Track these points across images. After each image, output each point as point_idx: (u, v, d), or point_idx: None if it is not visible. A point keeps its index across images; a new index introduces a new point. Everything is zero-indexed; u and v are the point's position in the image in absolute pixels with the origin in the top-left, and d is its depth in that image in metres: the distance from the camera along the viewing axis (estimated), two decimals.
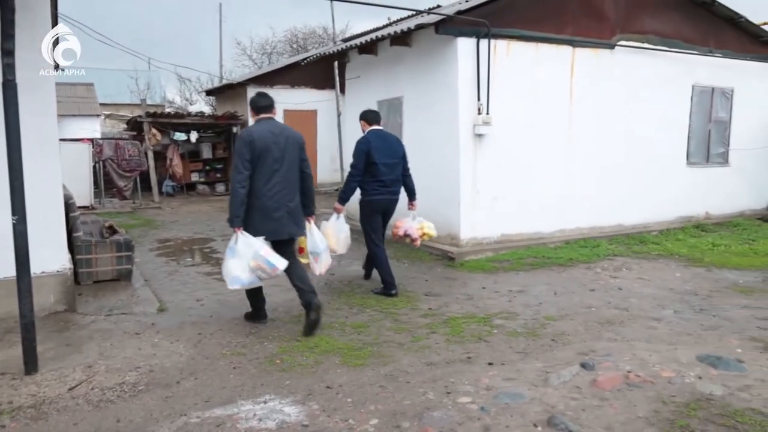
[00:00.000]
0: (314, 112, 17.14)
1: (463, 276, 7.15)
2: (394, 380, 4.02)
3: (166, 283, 6.73)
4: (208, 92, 19.92)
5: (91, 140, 13.21)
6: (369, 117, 6.34)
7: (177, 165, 16.30)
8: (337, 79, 16.92)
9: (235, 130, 16.67)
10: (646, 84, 9.37)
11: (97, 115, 34.21)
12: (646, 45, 9.28)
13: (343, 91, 17.45)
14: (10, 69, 3.67)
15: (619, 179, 9.27)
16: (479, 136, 7.95)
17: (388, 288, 6.18)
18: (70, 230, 6.06)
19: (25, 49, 4.40)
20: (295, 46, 24.73)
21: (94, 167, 13.00)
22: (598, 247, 8.44)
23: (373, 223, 6.20)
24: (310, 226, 5.21)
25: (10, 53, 3.68)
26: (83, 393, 3.76)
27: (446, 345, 4.75)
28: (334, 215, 6.13)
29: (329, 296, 6.19)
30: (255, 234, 4.73)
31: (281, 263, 4.72)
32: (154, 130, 15.23)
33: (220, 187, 17.41)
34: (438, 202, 8.34)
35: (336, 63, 16.75)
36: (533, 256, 7.97)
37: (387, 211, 6.30)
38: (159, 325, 5.14)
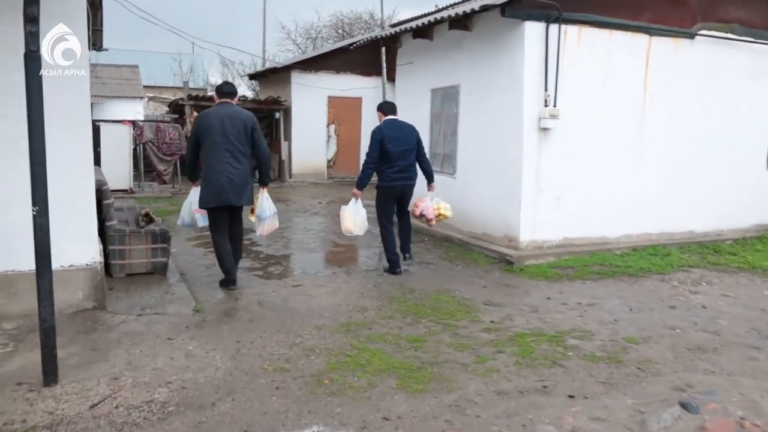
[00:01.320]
0: (359, 100, 16.58)
1: (523, 283, 6.51)
2: (461, 413, 3.45)
3: (203, 278, 6.27)
4: (251, 76, 19.51)
5: (132, 122, 12.91)
6: (384, 108, 6.82)
7: None
8: (384, 65, 16.34)
9: (277, 115, 16.24)
10: (726, 78, 8.50)
11: (141, 98, 34.39)
12: (729, 35, 8.41)
13: (390, 78, 16.85)
14: (33, 38, 3.18)
15: (692, 182, 8.46)
16: (545, 130, 7.26)
17: (392, 267, 6.64)
18: (103, 219, 5.64)
19: (57, 18, 3.94)
20: (340, 31, 24.11)
21: (135, 150, 12.72)
22: (669, 256, 7.68)
23: (386, 207, 6.64)
24: (263, 194, 5.84)
25: (34, 20, 3.18)
26: (106, 412, 3.28)
27: (516, 369, 4.15)
28: (353, 199, 6.49)
29: (379, 301, 5.63)
30: (202, 201, 5.64)
31: (201, 222, 5.87)
32: (195, 114, 14.88)
33: None
34: (496, 200, 7.70)
35: (383, 49, 16.16)
36: (599, 264, 7.26)
37: (402, 195, 6.64)
38: (194, 329, 4.66)
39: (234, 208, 5.69)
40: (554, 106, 7.19)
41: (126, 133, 11.90)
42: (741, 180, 8.93)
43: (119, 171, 11.97)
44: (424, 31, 8.90)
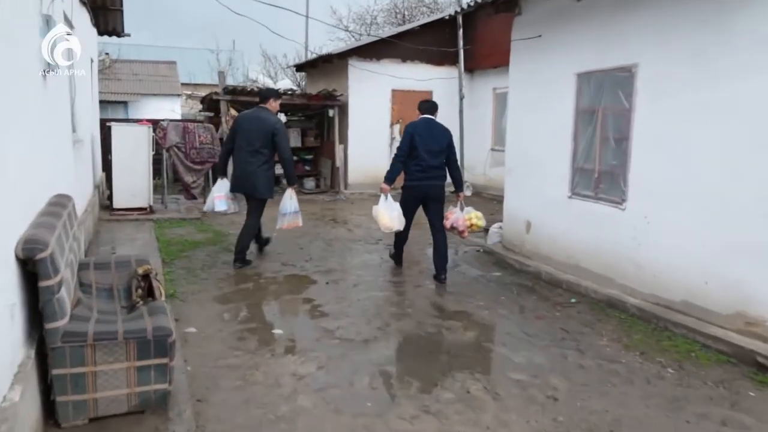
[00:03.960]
0: (429, 94, 13.61)
1: None
2: None
3: (237, 409, 3.42)
4: (299, 67, 16.71)
5: (153, 123, 10.23)
6: (421, 107, 6.49)
7: None
8: (461, 51, 13.36)
9: (331, 113, 13.41)
10: None
11: (179, 95, 32.33)
12: None
13: (468, 68, 13.89)
14: None
15: None
16: None
17: (396, 262, 6.88)
18: (41, 312, 2.84)
19: None
20: (399, 17, 21.06)
21: (157, 157, 10.02)
22: None
23: (406, 208, 6.31)
24: (287, 192, 6.55)
25: None
26: None
27: None
28: (383, 196, 6.25)
29: None
30: (231, 187, 6.68)
31: (218, 207, 6.67)
32: (232, 111, 12.16)
33: (309, 183, 14.21)
34: (716, 251, 4.66)
35: (461, 32, 13.21)
36: None
37: (428, 196, 6.32)
38: None
39: (251, 199, 6.52)
40: None
41: (144, 136, 9.20)
42: None
43: (136, 184, 9.30)
44: None
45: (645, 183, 5.36)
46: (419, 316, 5.23)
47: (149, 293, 3.96)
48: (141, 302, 3.81)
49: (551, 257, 6.56)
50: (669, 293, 5.10)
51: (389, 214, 6.19)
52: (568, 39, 6.27)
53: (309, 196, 13.14)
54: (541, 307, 5.62)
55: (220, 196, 6.62)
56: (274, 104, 6.58)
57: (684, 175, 4.95)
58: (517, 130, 7.26)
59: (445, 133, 6.30)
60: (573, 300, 5.80)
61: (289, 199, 6.46)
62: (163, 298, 3.72)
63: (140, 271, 4.14)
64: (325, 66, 14.55)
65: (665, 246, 5.13)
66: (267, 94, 6.63)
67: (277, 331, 4.71)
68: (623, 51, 5.52)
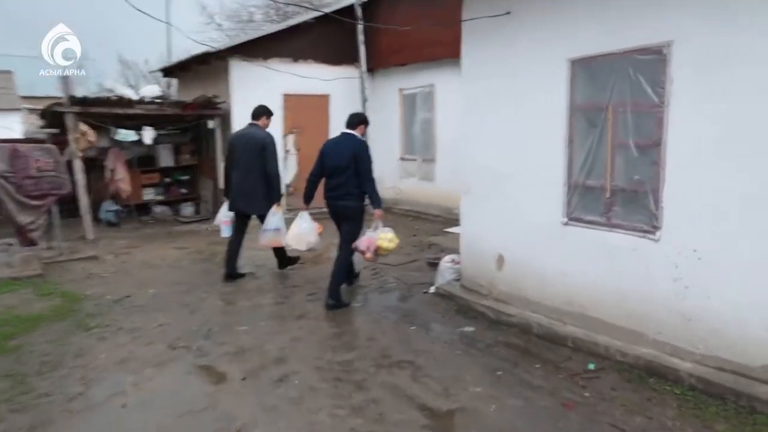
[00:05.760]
0: (325, 98, 11.80)
1: None
2: None
3: None
4: (166, 71, 14.11)
5: None
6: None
7: (123, 179, 10.65)
8: (363, 48, 11.67)
9: (211, 124, 11.11)
10: None
11: (18, 110, 28.07)
12: None
13: (370, 68, 12.19)
14: None
15: None
16: None
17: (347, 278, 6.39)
18: None
19: None
20: (280, 13, 18.72)
21: None
22: None
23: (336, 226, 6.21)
24: (272, 209, 6.46)
25: None
26: None
27: None
28: (300, 212, 6.29)
29: None
30: (229, 206, 6.69)
31: (224, 233, 6.84)
32: (84, 127, 9.55)
33: (187, 209, 11.84)
34: None
35: (360, 26, 11.51)
36: None
37: (337, 215, 6.03)
38: None
39: (244, 216, 6.70)
40: None
41: None
42: None
43: None
44: None
45: (691, 203, 3.88)
46: None
47: None
48: None
49: (541, 302, 4.97)
50: (740, 355, 3.65)
51: (293, 230, 6.23)
52: (554, 14, 4.69)
53: (188, 226, 10.80)
54: (556, 383, 4.00)
55: (226, 221, 6.76)
56: (266, 121, 6.70)
57: (760, 190, 3.52)
58: (477, 136, 5.61)
59: (350, 147, 5.80)
60: (591, 366, 4.23)
61: (272, 215, 6.48)
62: None
63: None
64: (200, 69, 12.16)
65: (729, 290, 3.69)
66: (259, 111, 6.72)
67: None
68: (648, 25, 4.02)
